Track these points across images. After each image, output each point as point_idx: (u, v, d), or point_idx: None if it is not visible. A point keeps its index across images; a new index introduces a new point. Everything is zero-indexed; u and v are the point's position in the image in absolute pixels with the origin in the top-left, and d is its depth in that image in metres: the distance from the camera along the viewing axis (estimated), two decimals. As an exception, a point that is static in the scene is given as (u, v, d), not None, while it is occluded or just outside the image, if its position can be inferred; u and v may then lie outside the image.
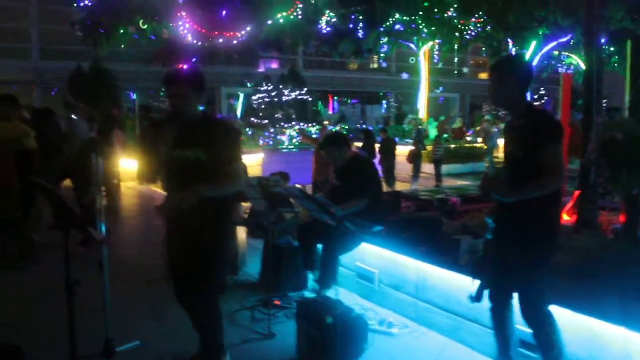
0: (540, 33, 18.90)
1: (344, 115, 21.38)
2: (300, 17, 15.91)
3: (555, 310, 3.44)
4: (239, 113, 27.55)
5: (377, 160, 13.71)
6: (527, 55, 22.99)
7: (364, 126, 23.82)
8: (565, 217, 6.01)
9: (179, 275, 3.58)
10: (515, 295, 3.36)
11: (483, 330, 4.06)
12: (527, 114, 3.29)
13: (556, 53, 23.13)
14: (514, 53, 20.72)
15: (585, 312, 3.48)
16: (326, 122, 18.62)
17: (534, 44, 21.14)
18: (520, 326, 3.51)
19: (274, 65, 30.05)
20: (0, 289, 5.72)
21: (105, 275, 4.03)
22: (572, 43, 19.68)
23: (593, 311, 3.47)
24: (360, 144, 13.47)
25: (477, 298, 3.65)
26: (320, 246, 5.27)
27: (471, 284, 3.73)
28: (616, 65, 17.96)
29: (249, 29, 15.19)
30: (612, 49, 16.34)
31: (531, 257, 3.21)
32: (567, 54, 23.30)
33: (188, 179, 3.35)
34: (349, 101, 37.22)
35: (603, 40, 5.86)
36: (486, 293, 3.61)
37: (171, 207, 3.39)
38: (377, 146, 14.12)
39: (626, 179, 4.20)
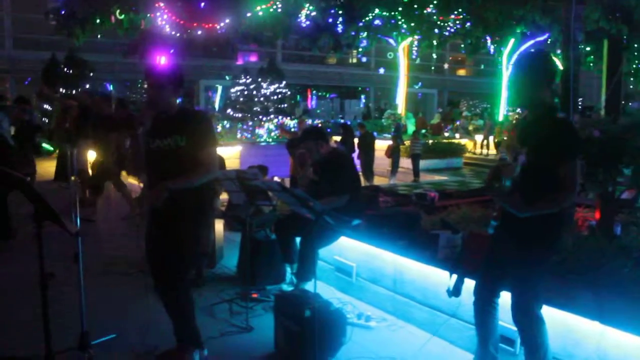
0: (518, 31, 19.05)
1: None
2: (279, 10, 15.81)
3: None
4: (216, 105, 27.37)
5: (355, 155, 13.73)
6: (505, 53, 23.26)
7: (341, 121, 23.84)
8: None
9: (155, 264, 3.64)
10: (505, 295, 3.34)
11: (461, 324, 4.09)
12: (548, 120, 3.14)
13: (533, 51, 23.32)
14: (507, 52, 20.90)
15: (560, 307, 3.52)
16: (303, 117, 18.57)
17: (512, 41, 21.33)
18: (503, 322, 3.53)
19: (253, 58, 29.88)
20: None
21: (80, 267, 3.97)
22: (549, 42, 19.86)
23: (568, 306, 3.51)
24: (338, 138, 13.47)
25: (454, 292, 3.67)
26: (298, 239, 5.26)
27: (449, 278, 3.76)
28: (591, 64, 18.18)
29: (227, 21, 15.05)
30: (587, 48, 16.53)
31: (530, 260, 3.14)
32: (534, 50, 23.51)
33: (167, 168, 3.47)
34: (328, 95, 37.19)
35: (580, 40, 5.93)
36: (465, 288, 3.63)
37: (147, 205, 3.46)
38: (356, 140, 14.13)
39: (602, 177, 4.25)
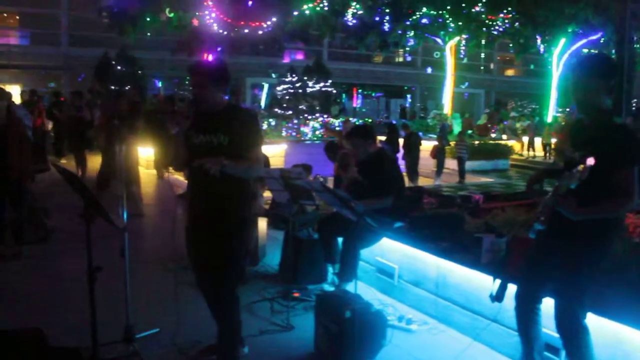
0: (570, 30, 18.59)
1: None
2: (326, 8, 15.83)
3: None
4: (263, 103, 27.60)
5: (400, 155, 13.63)
6: (556, 53, 22.70)
7: (387, 120, 23.70)
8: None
9: (199, 263, 3.64)
10: (549, 301, 3.27)
11: (504, 330, 4.02)
12: (605, 124, 3.06)
13: (585, 51, 22.76)
14: (557, 52, 20.39)
15: (610, 316, 3.41)
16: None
17: (562, 41, 20.81)
18: (547, 329, 3.45)
19: (300, 57, 30.01)
20: (22, 275, 5.82)
21: (127, 262, 4.06)
22: (602, 41, 19.32)
23: (617, 315, 3.40)
24: (383, 138, 13.40)
25: (497, 297, 3.60)
26: (340, 239, 5.26)
27: (492, 283, 3.69)
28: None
29: (274, 19, 15.17)
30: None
31: (579, 269, 3.07)
32: (597, 52, 22.92)
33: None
34: (373, 94, 37.06)
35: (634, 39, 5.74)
36: (507, 293, 3.56)
37: (197, 166, 3.38)
38: (401, 140, 14.03)
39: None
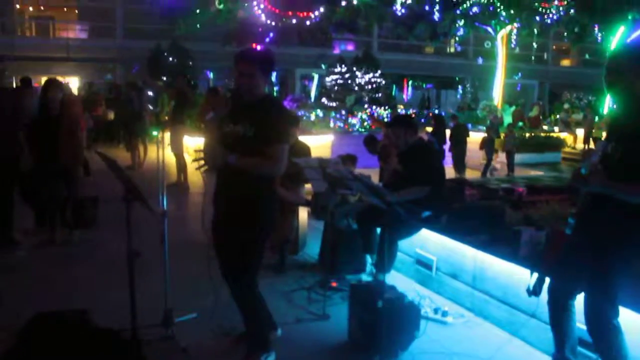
0: (630, 17, 17.85)
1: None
2: (374, -2, 15.75)
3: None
4: (312, 94, 27.67)
5: (447, 147, 13.46)
6: (614, 42, 21.88)
7: (436, 111, 23.39)
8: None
9: (220, 254, 3.66)
10: (580, 297, 3.20)
11: (541, 325, 3.94)
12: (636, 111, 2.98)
13: (646, 39, 21.87)
14: (616, 41, 19.60)
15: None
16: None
17: (621, 29, 20.02)
18: (581, 324, 3.37)
19: (350, 47, 29.90)
20: (71, 258, 6.05)
21: (166, 247, 4.17)
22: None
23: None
24: (430, 129, 13.26)
25: (534, 292, 3.55)
26: (379, 230, 5.26)
27: (529, 277, 3.63)
28: None
29: (322, 9, 15.17)
30: None
31: (611, 266, 2.99)
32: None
33: (236, 153, 3.40)
34: (424, 85, 36.61)
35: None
36: (545, 287, 3.50)
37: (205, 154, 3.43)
38: (448, 132, 13.85)
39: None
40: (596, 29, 20.05)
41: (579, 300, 3.26)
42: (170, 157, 10.16)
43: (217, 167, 3.47)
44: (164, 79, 20.41)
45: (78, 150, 6.44)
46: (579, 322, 3.32)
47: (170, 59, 21.49)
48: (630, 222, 2.92)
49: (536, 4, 17.63)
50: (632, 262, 3.05)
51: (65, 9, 29.38)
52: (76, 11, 29.29)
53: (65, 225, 6.56)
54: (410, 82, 35.32)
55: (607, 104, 23.14)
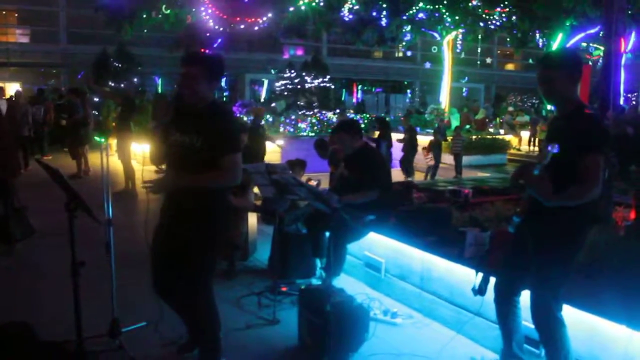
0: (568, 24, 18.50)
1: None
2: (322, 4, 15.81)
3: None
4: (262, 99, 27.57)
5: (399, 149, 13.64)
6: (554, 47, 22.61)
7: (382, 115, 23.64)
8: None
9: (162, 266, 3.53)
10: (527, 295, 3.31)
11: (487, 323, 4.04)
12: (574, 115, 3.15)
13: (584, 44, 22.67)
14: (556, 46, 20.30)
15: (588, 309, 3.44)
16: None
17: (560, 35, 20.74)
18: (527, 322, 3.48)
19: (299, 52, 29.99)
20: (10, 271, 5.86)
21: (112, 256, 4.09)
22: (601, 34, 19.21)
23: (596, 308, 3.42)
24: (377, 133, 13.40)
25: (479, 291, 3.64)
26: (328, 234, 5.28)
27: (475, 277, 3.72)
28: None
29: (270, 15, 15.17)
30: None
31: (552, 261, 3.12)
32: (595, 45, 22.84)
33: (185, 164, 3.34)
34: (373, 89, 37.01)
35: (633, 33, 5.74)
36: (490, 286, 3.59)
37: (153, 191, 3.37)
38: (400, 136, 14.03)
39: (635, 175, 4.13)
40: (537, 34, 20.68)
41: (525, 298, 3.38)
42: (117, 165, 9.97)
43: (167, 191, 3.39)
44: (111, 84, 20.00)
45: (10, 159, 6.19)
46: (525, 320, 3.43)
47: (117, 64, 21.09)
48: (568, 218, 3.06)
49: (480, 10, 18.07)
50: (573, 257, 3.18)
51: (4, 12, 28.46)
52: (16, 15, 28.42)
53: (5, 236, 6.32)
54: (359, 87, 35.63)
55: (550, 107, 23.88)
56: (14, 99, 14.49)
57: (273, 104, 20.68)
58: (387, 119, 16.25)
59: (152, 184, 3.34)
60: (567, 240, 3.12)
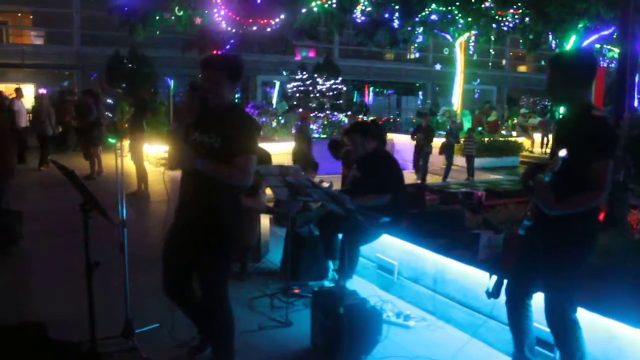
0: (581, 25, 18.39)
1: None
2: (334, 5, 15.81)
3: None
4: (274, 101, 27.60)
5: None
6: (568, 48, 22.48)
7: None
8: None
9: (175, 268, 3.55)
10: (539, 297, 3.29)
11: (500, 326, 4.02)
12: (583, 117, 3.11)
13: (598, 46, 22.52)
14: (569, 48, 20.23)
15: (603, 312, 3.41)
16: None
17: (574, 37, 20.62)
18: (538, 324, 3.46)
19: (311, 54, 30.00)
20: (25, 270, 5.90)
21: (126, 257, 4.11)
22: (615, 36, 19.06)
23: (612, 312, 3.39)
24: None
25: (493, 293, 3.61)
26: (340, 236, 5.28)
27: (488, 279, 3.70)
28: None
29: (282, 16, 15.19)
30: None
31: (564, 262, 3.11)
32: (609, 47, 22.69)
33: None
34: (385, 91, 36.93)
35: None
36: (503, 289, 3.57)
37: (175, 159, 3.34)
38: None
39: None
40: (550, 36, 20.57)
41: (537, 300, 3.35)
42: (130, 166, 10.02)
43: (184, 167, 3.38)
44: (124, 86, 20.11)
45: (5, 160, 6.17)
46: (537, 322, 3.41)
47: (130, 65, 21.18)
48: (578, 221, 3.04)
49: (492, 12, 18.00)
50: (584, 258, 3.16)
51: (19, 14, 28.70)
52: (31, 17, 28.65)
53: None
54: (371, 89, 35.57)
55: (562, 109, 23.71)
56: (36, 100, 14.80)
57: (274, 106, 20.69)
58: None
59: (170, 158, 3.34)
60: (578, 244, 3.10)
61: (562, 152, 2.93)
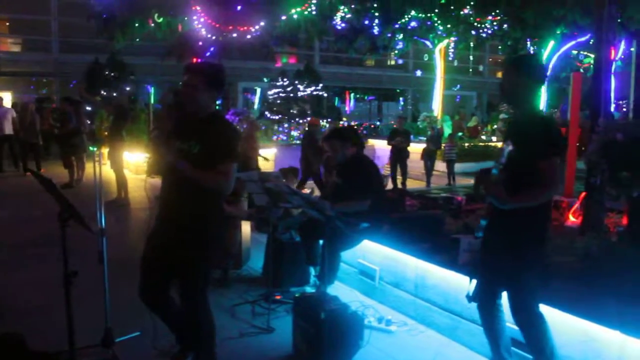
0: (558, 32, 18.64)
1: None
2: (314, 12, 15.86)
3: (550, 311, 3.43)
4: (255, 107, 27.58)
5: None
6: (545, 55, 22.78)
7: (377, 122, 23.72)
8: (572, 218, 5.96)
9: (153, 274, 3.52)
10: (505, 295, 3.35)
11: (480, 329, 4.04)
12: (532, 117, 3.29)
13: (575, 52, 22.85)
14: (530, 52, 20.55)
15: (581, 315, 3.45)
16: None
17: (551, 43, 20.89)
18: (513, 325, 3.49)
19: (292, 61, 30.05)
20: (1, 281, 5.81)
21: (105, 265, 4.07)
22: (591, 42, 19.34)
23: (588, 314, 3.44)
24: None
25: (473, 297, 3.64)
26: (321, 242, 5.28)
27: (469, 284, 3.73)
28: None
29: (262, 23, 15.20)
30: (632, 49, 16.08)
31: (521, 258, 3.19)
32: (585, 53, 23.01)
33: (181, 172, 3.30)
34: (366, 97, 37.10)
35: (623, 41, 5.80)
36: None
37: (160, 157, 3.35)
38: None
39: (626, 181, 4.17)
40: (528, 42, 20.82)
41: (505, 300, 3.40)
42: (109, 174, 9.94)
43: (165, 164, 3.36)
44: (103, 93, 19.96)
45: None
46: (509, 322, 3.45)
47: (109, 73, 21.03)
48: (528, 216, 3.15)
49: (471, 18, 18.18)
50: (539, 251, 3.29)
51: (-5, 22, 28.40)
52: (7, 24, 28.31)
53: None
54: (352, 95, 35.71)
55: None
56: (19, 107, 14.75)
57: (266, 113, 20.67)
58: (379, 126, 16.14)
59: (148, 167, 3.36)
60: (531, 239, 3.21)
61: (508, 145, 3.10)
